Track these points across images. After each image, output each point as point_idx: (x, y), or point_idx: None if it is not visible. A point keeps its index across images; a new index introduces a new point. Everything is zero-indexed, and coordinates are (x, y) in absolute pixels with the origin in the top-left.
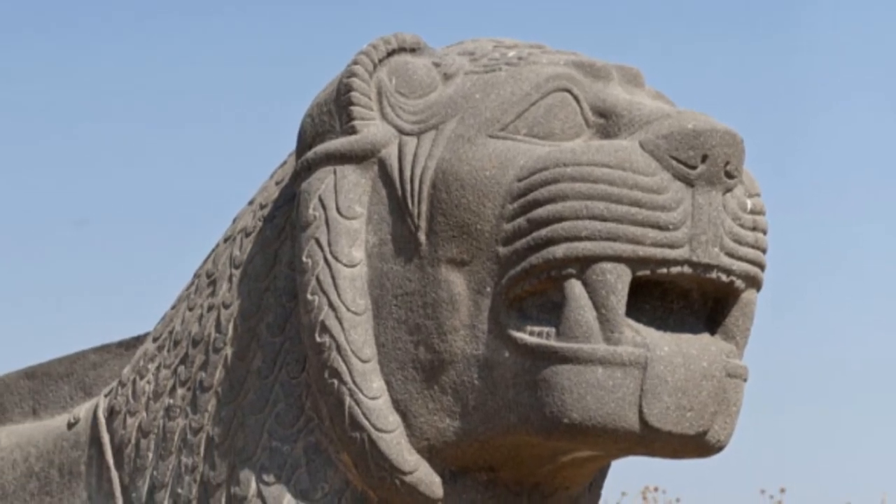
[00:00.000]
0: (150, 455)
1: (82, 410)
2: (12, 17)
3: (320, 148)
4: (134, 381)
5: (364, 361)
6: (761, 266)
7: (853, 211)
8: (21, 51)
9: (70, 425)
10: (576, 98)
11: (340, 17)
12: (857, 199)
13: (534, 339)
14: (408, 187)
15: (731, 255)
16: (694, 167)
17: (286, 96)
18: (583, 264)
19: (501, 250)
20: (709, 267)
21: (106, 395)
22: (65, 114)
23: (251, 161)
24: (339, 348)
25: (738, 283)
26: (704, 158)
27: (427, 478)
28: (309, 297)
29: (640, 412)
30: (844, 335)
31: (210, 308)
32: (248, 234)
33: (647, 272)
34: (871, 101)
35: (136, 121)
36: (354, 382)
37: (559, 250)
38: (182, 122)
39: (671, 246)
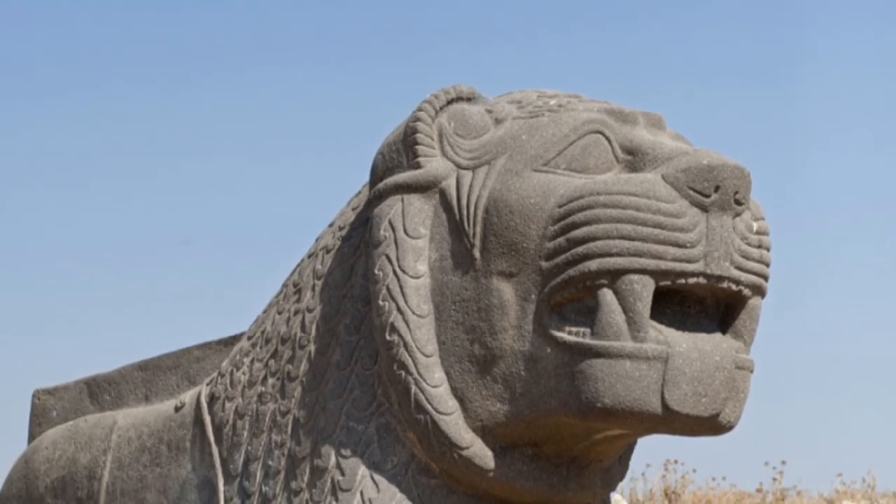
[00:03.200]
0: (245, 433)
1: (187, 396)
2: (131, 76)
3: (390, 180)
4: (231, 373)
5: (427, 356)
6: (765, 277)
7: (842, 231)
8: (137, 99)
9: (177, 409)
10: (607, 139)
11: (405, 72)
12: (846, 222)
13: (572, 338)
14: (465, 212)
15: (739, 268)
16: (708, 196)
17: (359, 137)
18: (613, 276)
19: (544, 264)
20: (721, 278)
21: (207, 384)
22: (172, 152)
23: (330, 190)
24: (405, 345)
25: (746, 291)
26: (717, 188)
27: (481, 452)
28: (380, 302)
29: (663, 398)
30: (836, 333)
31: (296, 312)
32: (328, 251)
33: (669, 282)
34: (858, 140)
35: (232, 157)
36: (419, 373)
37: (593, 264)
38: (271, 157)
39: (689, 261)
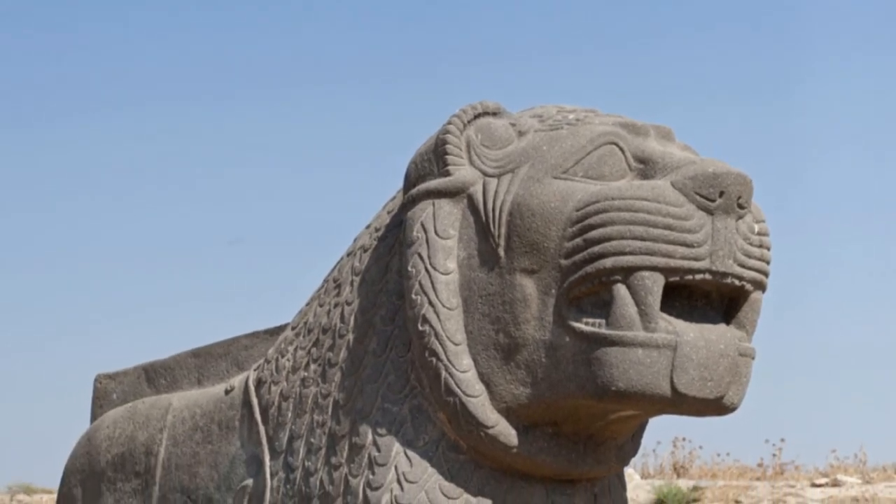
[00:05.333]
0: (289, 414)
1: (236, 381)
2: (194, 96)
3: (422, 186)
4: (277, 359)
5: (456, 344)
6: (765, 274)
7: (836, 232)
8: (198, 117)
9: (227, 392)
10: (621, 149)
11: (435, 89)
12: (839, 224)
13: (589, 328)
14: (490, 215)
15: (742, 265)
16: (713, 200)
17: (393, 148)
18: (627, 273)
19: (563, 262)
20: (725, 274)
21: (255, 369)
22: (224, 162)
23: (366, 196)
24: (436, 335)
25: (748, 286)
26: (721, 194)
27: (505, 431)
28: (413, 296)
29: (672, 382)
30: (831, 323)
31: (336, 305)
32: (366, 250)
33: (677, 278)
34: (851, 150)
35: (278, 167)
36: (449, 360)
37: (608, 262)
38: (313, 167)
39: (695, 259)
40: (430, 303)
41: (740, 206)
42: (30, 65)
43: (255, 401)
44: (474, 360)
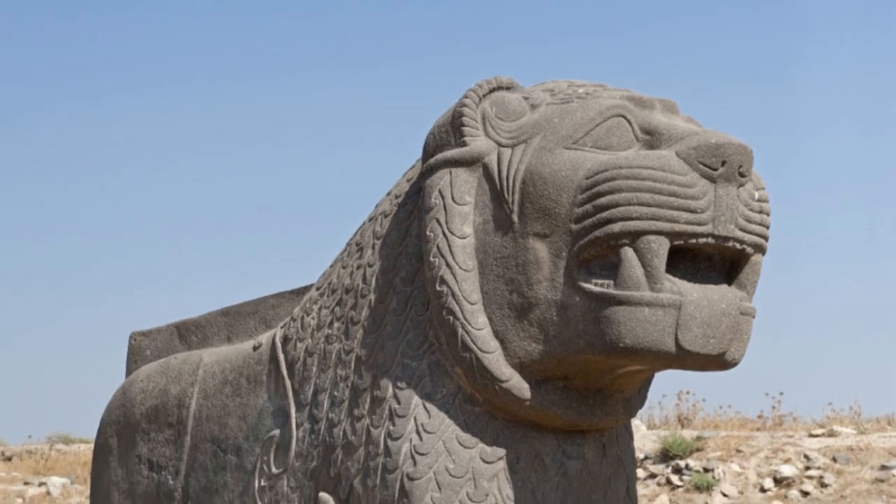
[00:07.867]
0: (314, 369)
1: (264, 338)
2: (226, 77)
3: (440, 156)
4: (302, 318)
5: (472, 304)
6: (765, 238)
7: (831, 199)
8: (229, 95)
9: (255, 348)
10: (628, 121)
11: (449, 67)
12: (834, 192)
13: (598, 289)
14: (505, 183)
15: (743, 230)
16: (716, 169)
17: (411, 121)
18: (634, 237)
19: (574, 227)
20: (727, 238)
21: (281, 327)
22: (253, 136)
23: (386, 166)
24: (453, 294)
25: (749, 249)
26: (723, 163)
27: (519, 385)
28: (431, 259)
29: (676, 339)
30: (826, 283)
31: (358, 267)
32: (386, 216)
33: (681, 242)
34: (844, 125)
35: (304, 141)
36: (465, 318)
37: (616, 227)
38: (337, 140)
39: (699, 224)
40: (448, 265)
41: (741, 175)
42: (85, 48)
43: (281, 356)
44: (489, 319)
